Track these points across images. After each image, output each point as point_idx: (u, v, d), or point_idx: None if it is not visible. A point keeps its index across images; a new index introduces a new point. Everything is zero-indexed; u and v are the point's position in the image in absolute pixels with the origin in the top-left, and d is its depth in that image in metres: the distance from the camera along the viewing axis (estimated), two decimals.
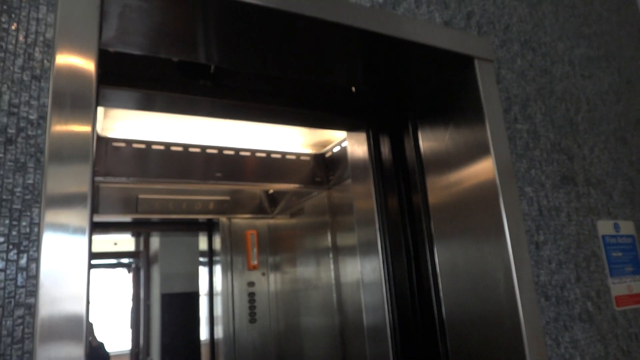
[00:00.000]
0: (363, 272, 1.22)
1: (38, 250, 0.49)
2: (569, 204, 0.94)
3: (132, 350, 2.93)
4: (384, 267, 1.15)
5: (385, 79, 1.08)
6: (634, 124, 1.15)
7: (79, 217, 0.50)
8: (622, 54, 1.22)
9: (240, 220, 2.33)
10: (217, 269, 2.32)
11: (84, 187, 0.51)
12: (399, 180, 1.16)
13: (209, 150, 1.68)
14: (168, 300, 2.78)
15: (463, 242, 0.93)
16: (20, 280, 0.49)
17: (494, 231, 0.85)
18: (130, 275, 3.32)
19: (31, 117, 0.53)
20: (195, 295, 2.60)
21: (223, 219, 2.29)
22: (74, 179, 0.51)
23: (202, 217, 2.29)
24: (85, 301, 0.50)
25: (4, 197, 0.50)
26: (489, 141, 0.86)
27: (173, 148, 1.61)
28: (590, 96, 1.09)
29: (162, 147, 1.58)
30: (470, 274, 0.90)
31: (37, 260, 0.49)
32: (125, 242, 3.21)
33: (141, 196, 1.95)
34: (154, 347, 2.78)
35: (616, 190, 1.03)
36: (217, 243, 2.34)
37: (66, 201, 0.50)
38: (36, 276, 0.49)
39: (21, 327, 0.48)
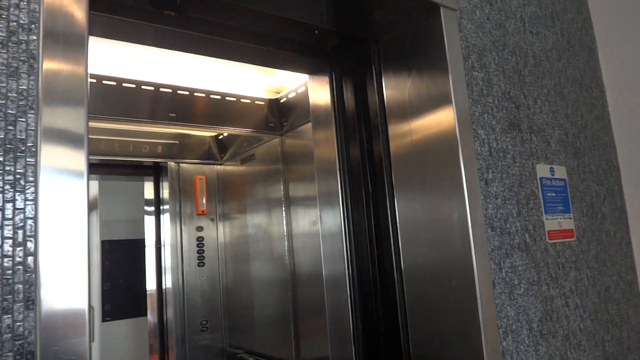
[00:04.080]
0: (323, 222, 1.23)
1: (36, 157, 0.50)
2: (514, 147, 1.03)
3: None
4: (344, 216, 1.16)
5: (351, 22, 1.10)
6: (571, 81, 1.27)
7: (77, 119, 0.50)
8: (565, 16, 1.32)
9: (189, 165, 2.31)
10: (165, 216, 2.31)
11: (81, 89, 0.51)
12: (361, 128, 1.19)
13: (162, 89, 1.64)
14: (108, 247, 2.73)
15: (422, 189, 0.98)
16: (19, 186, 0.49)
17: (450, 172, 0.92)
18: None
19: (22, 21, 0.51)
20: (140, 243, 2.56)
21: (171, 164, 2.26)
22: (68, 80, 0.51)
23: (149, 161, 2.24)
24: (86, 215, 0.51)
25: None
26: (450, 86, 0.93)
27: (125, 85, 1.55)
28: (537, 52, 1.18)
29: (113, 83, 1.52)
30: (428, 219, 0.97)
31: (35, 166, 0.50)
32: None
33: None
34: (94, 294, 2.74)
35: (553, 139, 1.14)
36: (165, 188, 2.31)
37: (63, 104, 0.51)
38: (35, 182, 0.50)
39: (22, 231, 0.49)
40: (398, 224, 1.04)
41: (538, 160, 1.08)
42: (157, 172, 2.36)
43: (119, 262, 2.67)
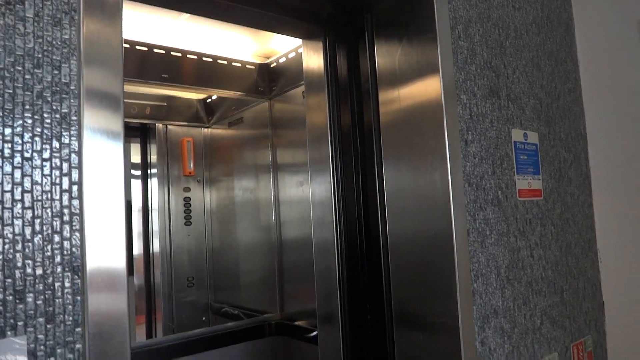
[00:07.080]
0: (313, 188, 1.28)
1: (79, 99, 0.56)
2: (493, 112, 1.13)
3: None
4: (334, 183, 1.22)
5: None
6: (548, 55, 1.36)
7: (113, 63, 0.57)
8: None
9: (176, 127, 2.35)
10: (153, 179, 2.35)
11: (117, 36, 0.58)
12: (352, 93, 1.25)
13: (156, 50, 1.67)
14: None
15: (409, 152, 1.06)
16: (64, 124, 0.56)
17: (434, 132, 1.01)
18: None
19: None
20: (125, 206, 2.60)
21: (159, 125, 2.30)
22: (105, 30, 0.57)
23: (137, 122, 2.27)
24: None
25: (45, 48, 0.55)
26: (438, 53, 1.01)
27: None
28: (518, 25, 1.27)
29: None
30: (413, 178, 1.04)
31: (78, 107, 0.56)
32: None
33: None
34: None
35: (528, 107, 1.24)
36: (152, 150, 2.36)
37: (101, 50, 0.57)
38: (78, 120, 0.56)
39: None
40: (385, 185, 1.13)
41: (513, 125, 1.18)
42: (144, 134, 2.39)
43: None
